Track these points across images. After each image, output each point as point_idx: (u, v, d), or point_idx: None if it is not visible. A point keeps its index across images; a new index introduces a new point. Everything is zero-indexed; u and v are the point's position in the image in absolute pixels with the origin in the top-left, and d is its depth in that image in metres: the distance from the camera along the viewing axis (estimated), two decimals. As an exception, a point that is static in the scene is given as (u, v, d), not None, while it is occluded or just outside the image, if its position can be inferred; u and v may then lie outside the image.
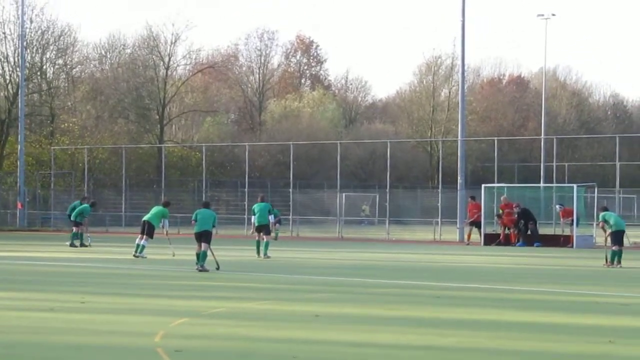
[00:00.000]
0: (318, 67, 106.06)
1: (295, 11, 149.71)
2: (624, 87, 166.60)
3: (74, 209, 38.26)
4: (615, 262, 28.42)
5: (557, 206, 43.02)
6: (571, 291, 20.76)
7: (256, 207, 32.14)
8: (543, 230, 44.73)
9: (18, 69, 60.94)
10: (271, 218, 33.20)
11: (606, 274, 26.49)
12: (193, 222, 26.23)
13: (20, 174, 56.74)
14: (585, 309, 17.27)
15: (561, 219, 42.06)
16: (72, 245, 36.77)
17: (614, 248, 28.55)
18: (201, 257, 25.28)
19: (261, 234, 31.59)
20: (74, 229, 37.43)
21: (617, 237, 28.68)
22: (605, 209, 29.94)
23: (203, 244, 25.45)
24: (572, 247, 39.47)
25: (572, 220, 40.24)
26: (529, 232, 40.93)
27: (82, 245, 36.90)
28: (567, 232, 41.51)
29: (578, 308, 17.37)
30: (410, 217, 57.82)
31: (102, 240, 40.78)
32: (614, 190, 47.84)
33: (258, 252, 31.39)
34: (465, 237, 43.20)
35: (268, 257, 30.78)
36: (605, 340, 13.13)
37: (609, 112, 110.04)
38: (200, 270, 24.87)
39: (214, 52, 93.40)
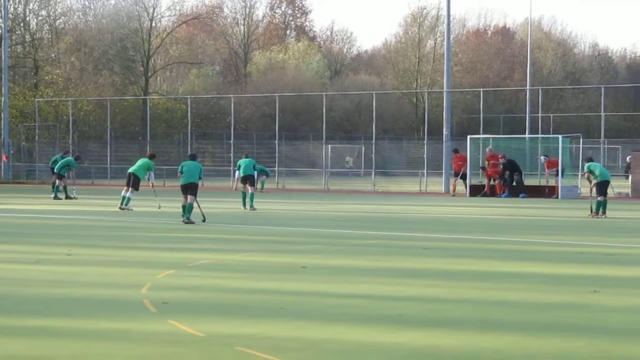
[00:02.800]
0: (303, 19, 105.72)
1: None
2: (609, 37, 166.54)
3: (55, 162, 38.19)
4: (600, 213, 28.54)
5: (542, 157, 43.04)
6: (556, 241, 20.84)
7: (241, 162, 32.26)
8: (528, 182, 44.85)
9: (0, 21, 60.44)
10: (255, 173, 33.18)
11: (591, 224, 26.61)
12: (179, 174, 26.16)
13: (5, 127, 56.49)
14: (570, 259, 17.35)
15: (546, 170, 42.12)
16: (56, 197, 36.66)
17: (599, 198, 28.66)
18: (187, 209, 25.27)
19: (246, 185, 31.62)
20: (57, 181, 37.26)
21: (602, 187, 28.78)
22: (590, 160, 30.00)
23: (189, 196, 25.42)
24: (557, 197, 39.63)
25: (557, 171, 40.30)
26: (514, 183, 41.00)
27: (67, 197, 36.80)
28: (552, 182, 41.58)
29: (563, 258, 17.45)
30: (396, 169, 57.95)
31: (87, 193, 40.72)
32: (598, 141, 48.01)
33: (244, 204, 31.41)
34: (451, 188, 43.26)
35: (254, 208, 30.75)
36: (590, 289, 13.20)
37: (593, 63, 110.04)
38: (186, 223, 24.87)
39: (199, 3, 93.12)
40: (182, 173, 26.01)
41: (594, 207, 28.70)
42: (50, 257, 16.96)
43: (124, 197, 30.47)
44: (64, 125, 60.18)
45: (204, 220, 25.20)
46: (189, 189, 25.64)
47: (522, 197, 39.84)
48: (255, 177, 33.90)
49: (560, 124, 75.79)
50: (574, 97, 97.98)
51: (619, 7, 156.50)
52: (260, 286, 13.54)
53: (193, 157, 26.86)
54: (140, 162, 31.60)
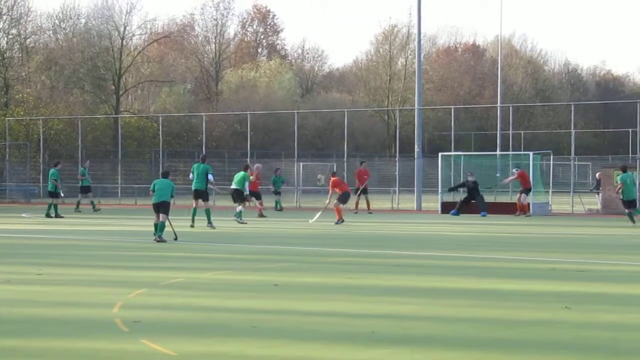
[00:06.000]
0: (275, 37, 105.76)
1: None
2: (578, 55, 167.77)
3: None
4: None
5: (514, 170, 42.30)
6: (527, 258, 20.92)
7: (195, 167, 30.75)
8: (499, 199, 44.97)
9: (-29, 40, 60.18)
10: (210, 177, 31.21)
11: (562, 241, 26.73)
12: (151, 192, 26.09)
13: (-25, 146, 56.17)
14: (541, 275, 17.40)
15: (508, 179, 41.71)
16: (57, 216, 36.79)
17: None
18: (159, 227, 25.18)
19: (199, 200, 30.48)
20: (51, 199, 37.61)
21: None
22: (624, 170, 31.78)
23: (161, 215, 25.36)
24: (530, 215, 39.23)
25: (528, 189, 39.81)
26: (472, 201, 40.34)
27: (47, 215, 36.83)
28: (514, 199, 41.46)
29: (534, 275, 17.50)
30: (368, 186, 57.95)
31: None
32: (569, 157, 48.20)
33: (192, 222, 30.21)
34: (366, 206, 42.09)
35: (213, 227, 29.83)
36: (562, 306, 13.25)
37: (563, 80, 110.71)
38: (158, 241, 24.77)
39: (170, 21, 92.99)
40: (154, 191, 25.95)
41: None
42: (20, 277, 16.86)
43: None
44: (35, 144, 59.87)
45: (175, 239, 25.12)
46: (161, 207, 25.54)
47: (482, 216, 39.36)
48: (211, 180, 31.26)
49: (531, 141, 76.13)
50: (545, 114, 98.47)
51: (588, 25, 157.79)
52: (232, 304, 13.52)
53: (165, 175, 26.74)
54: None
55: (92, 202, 41.62)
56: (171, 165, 61.63)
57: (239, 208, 32.78)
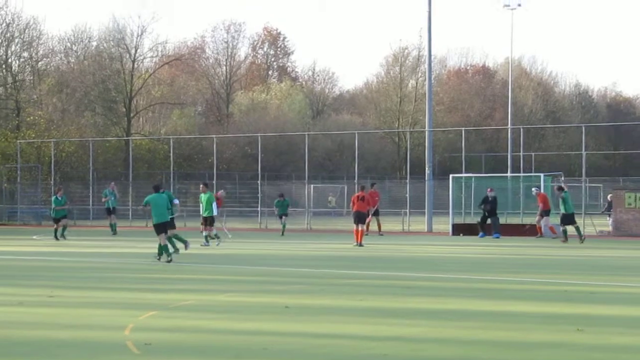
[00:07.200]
0: (285, 59, 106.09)
1: (262, 3, 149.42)
2: (589, 76, 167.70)
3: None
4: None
5: (534, 189, 41.95)
6: (539, 280, 20.86)
7: (151, 199, 25.57)
8: (511, 220, 44.85)
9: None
10: (176, 201, 28.94)
11: (574, 262, 26.65)
12: (143, 207, 25.71)
13: (-14, 168, 56.31)
14: (553, 297, 17.35)
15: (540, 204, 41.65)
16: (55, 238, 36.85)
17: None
18: (164, 248, 25.10)
19: (162, 235, 25.52)
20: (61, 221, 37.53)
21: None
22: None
23: (169, 231, 25.26)
24: (541, 236, 39.09)
25: (548, 211, 39.56)
26: (487, 222, 40.39)
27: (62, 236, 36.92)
28: (525, 220, 41.31)
29: (546, 297, 17.44)
30: (379, 208, 57.90)
31: (69, 234, 40.53)
32: (580, 179, 48.08)
33: (167, 254, 25.38)
34: (377, 228, 41.93)
35: (172, 255, 25.68)
36: (574, 328, 13.20)
37: (574, 102, 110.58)
38: (168, 261, 24.73)
39: (181, 44, 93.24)
40: (145, 205, 25.61)
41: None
42: (32, 299, 16.87)
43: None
44: (46, 166, 60.04)
45: (159, 259, 25.05)
46: (162, 227, 25.28)
47: (495, 237, 39.34)
48: (176, 203, 28.90)
49: (542, 163, 75.97)
50: (555, 135, 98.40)
51: (599, 47, 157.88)
52: (243, 327, 13.50)
53: (157, 189, 25.53)
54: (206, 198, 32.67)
55: (111, 224, 41.49)
56: (182, 188, 61.77)
57: (214, 231, 32.77)
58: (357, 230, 33.49)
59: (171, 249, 25.76)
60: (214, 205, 32.81)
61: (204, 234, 32.85)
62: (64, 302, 16.40)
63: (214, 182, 51.87)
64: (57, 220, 37.57)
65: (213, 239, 32.67)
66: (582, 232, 36.13)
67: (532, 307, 15.75)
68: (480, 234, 39.99)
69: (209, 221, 32.54)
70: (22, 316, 14.69)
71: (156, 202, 25.33)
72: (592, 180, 62.32)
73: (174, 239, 26.59)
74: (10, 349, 11.66)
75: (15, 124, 66.76)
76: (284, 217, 41.77)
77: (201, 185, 33.96)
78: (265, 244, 35.56)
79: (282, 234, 41.25)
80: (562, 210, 35.88)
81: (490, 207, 40.13)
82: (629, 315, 14.94)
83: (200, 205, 33.88)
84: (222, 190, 40.78)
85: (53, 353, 11.46)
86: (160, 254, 25.20)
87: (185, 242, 26.98)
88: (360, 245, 32.78)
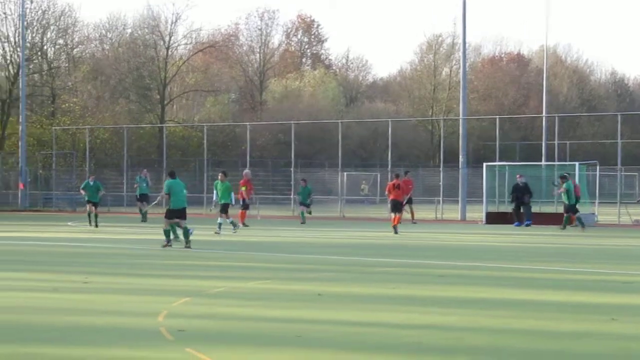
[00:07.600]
0: (319, 47, 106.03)
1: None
2: (625, 65, 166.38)
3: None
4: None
5: (555, 188, 41.70)
6: (572, 269, 20.75)
7: (172, 185, 25.68)
8: (544, 209, 44.62)
9: (19, 49, 60.94)
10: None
11: (607, 251, 26.50)
12: (166, 195, 25.62)
13: (22, 155, 56.69)
14: (586, 286, 17.27)
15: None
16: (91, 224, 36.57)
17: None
18: (184, 233, 25.31)
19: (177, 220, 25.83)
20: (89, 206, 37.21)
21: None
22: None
23: (181, 222, 25.38)
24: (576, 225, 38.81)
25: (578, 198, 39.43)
26: (521, 210, 40.18)
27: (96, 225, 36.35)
28: (559, 209, 41.11)
29: (579, 286, 17.37)
30: (412, 196, 57.85)
31: (104, 221, 40.71)
32: (615, 168, 47.76)
33: (168, 240, 25.92)
34: (410, 216, 41.71)
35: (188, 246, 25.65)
36: (608, 318, 13.13)
37: (610, 90, 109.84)
38: (186, 247, 24.90)
39: (215, 31, 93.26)
40: (168, 194, 25.55)
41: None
42: (67, 285, 16.98)
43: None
44: (81, 153, 60.42)
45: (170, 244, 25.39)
46: (182, 213, 25.49)
47: (526, 225, 39.26)
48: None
49: (576, 151, 75.62)
50: (590, 124, 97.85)
51: (635, 35, 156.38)
52: (276, 314, 13.53)
53: (173, 175, 25.89)
54: (222, 187, 33.05)
55: (141, 211, 41.51)
56: (215, 175, 61.93)
57: (224, 218, 32.73)
58: (394, 218, 33.46)
59: (172, 235, 26.06)
60: (232, 194, 33.36)
61: (228, 220, 32.66)
62: (98, 289, 16.50)
63: (247, 169, 51.87)
64: (87, 203, 37.32)
65: (232, 225, 32.77)
66: (566, 223, 37.13)
67: (565, 297, 15.69)
68: (516, 222, 39.81)
69: (224, 208, 32.64)
70: (57, 302, 14.80)
71: (176, 189, 25.61)
72: (628, 169, 61.93)
73: (176, 227, 26.44)
74: (45, 335, 11.75)
75: (51, 110, 67.22)
76: (303, 207, 40.88)
77: (220, 174, 33.98)
78: (298, 231, 35.59)
79: (303, 222, 40.13)
80: (565, 201, 36.80)
81: (521, 194, 39.88)
82: (664, 305, 14.85)
83: (215, 192, 34.09)
84: (247, 170, 40.52)
85: (88, 339, 11.54)
86: (168, 238, 25.45)
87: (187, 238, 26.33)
88: (396, 232, 32.78)
